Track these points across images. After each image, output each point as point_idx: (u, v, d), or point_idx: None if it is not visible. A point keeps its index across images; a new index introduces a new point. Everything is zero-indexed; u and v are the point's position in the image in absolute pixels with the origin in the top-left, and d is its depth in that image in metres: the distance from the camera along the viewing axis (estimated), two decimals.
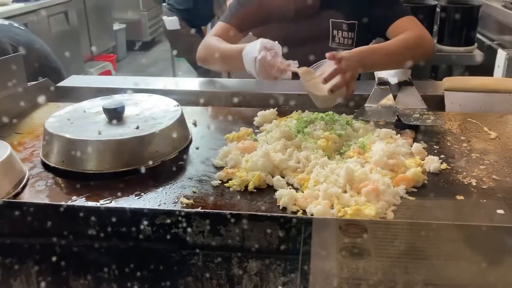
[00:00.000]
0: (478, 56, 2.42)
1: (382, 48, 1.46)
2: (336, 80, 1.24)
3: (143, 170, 1.04)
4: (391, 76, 1.47)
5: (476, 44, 2.47)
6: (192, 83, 1.69)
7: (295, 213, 0.89)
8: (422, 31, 1.56)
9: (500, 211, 0.87)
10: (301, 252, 0.81)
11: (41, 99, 1.45)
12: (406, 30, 1.53)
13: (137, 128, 1.10)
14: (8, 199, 0.94)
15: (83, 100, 1.29)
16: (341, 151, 1.10)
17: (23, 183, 1.01)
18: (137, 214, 0.89)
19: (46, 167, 1.08)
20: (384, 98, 1.38)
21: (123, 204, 0.93)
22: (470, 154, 1.10)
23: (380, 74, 1.50)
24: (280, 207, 0.91)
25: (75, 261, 0.95)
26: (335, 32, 1.65)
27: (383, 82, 1.45)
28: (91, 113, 1.20)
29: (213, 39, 1.61)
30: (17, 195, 0.97)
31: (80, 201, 0.94)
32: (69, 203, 0.94)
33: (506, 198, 0.92)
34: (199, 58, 1.64)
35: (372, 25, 1.62)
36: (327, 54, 1.28)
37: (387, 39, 1.57)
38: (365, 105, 1.35)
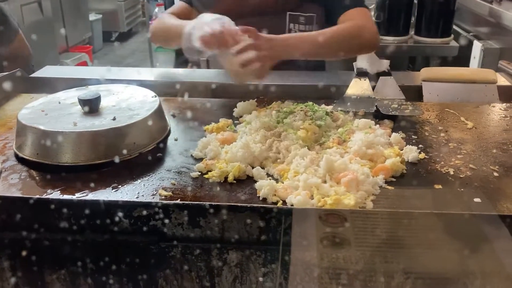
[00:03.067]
0: (455, 47, 2.45)
1: (313, 37, 1.40)
2: (249, 55, 1.18)
3: (120, 162, 1.02)
4: (370, 66, 1.48)
5: (452, 36, 2.50)
6: (171, 73, 1.67)
7: (275, 203, 0.88)
8: (364, 22, 1.50)
9: (477, 200, 0.88)
10: (281, 242, 0.81)
11: (13, 89, 1.41)
12: (351, 20, 1.49)
13: (114, 119, 1.07)
14: None
15: (57, 91, 1.26)
16: (321, 141, 1.09)
17: None
18: (114, 206, 0.87)
19: (20, 159, 1.05)
20: (363, 88, 1.38)
21: (100, 196, 0.91)
22: (448, 144, 1.11)
23: (359, 64, 1.51)
24: (260, 198, 0.90)
25: (51, 256, 0.93)
26: (291, 25, 1.64)
27: (362, 73, 1.45)
28: (66, 104, 1.17)
29: (166, 15, 1.59)
30: None
31: (55, 194, 0.92)
32: (44, 196, 0.91)
33: (483, 187, 0.93)
34: (150, 34, 1.64)
35: (328, 16, 1.60)
36: (240, 27, 1.22)
37: None
38: (344, 95, 1.35)
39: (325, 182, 0.94)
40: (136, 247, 0.88)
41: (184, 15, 1.56)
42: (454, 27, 2.59)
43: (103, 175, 0.99)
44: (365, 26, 1.49)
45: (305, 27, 1.64)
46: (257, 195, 0.91)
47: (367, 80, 1.42)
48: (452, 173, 0.99)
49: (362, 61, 1.52)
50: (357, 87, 1.38)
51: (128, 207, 0.86)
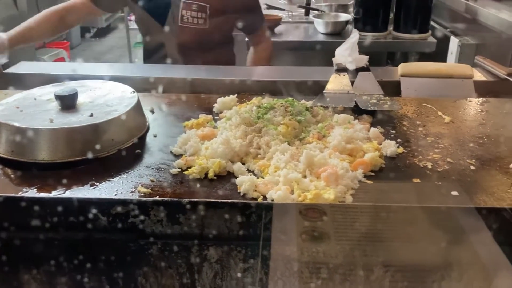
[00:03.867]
0: (432, 43, 2.48)
1: None
2: None
3: (98, 159, 1.00)
4: (349, 62, 1.49)
5: (430, 32, 2.54)
6: (149, 69, 1.65)
7: (256, 199, 0.88)
8: (270, 45, 2.07)
9: (454, 193, 0.89)
10: (261, 237, 0.80)
11: None
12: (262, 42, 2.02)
13: (91, 115, 1.06)
14: None
15: (33, 87, 1.23)
16: (301, 137, 1.10)
17: None
18: (92, 204, 0.86)
19: None
20: (342, 84, 1.39)
21: (77, 194, 0.89)
22: (426, 138, 1.13)
23: (338, 60, 1.52)
24: (241, 194, 0.90)
25: (28, 255, 0.91)
26: (184, 11, 1.80)
27: (341, 69, 1.46)
28: (42, 101, 1.14)
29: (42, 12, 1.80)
30: None
31: (31, 192, 0.90)
32: (20, 194, 0.89)
33: (460, 180, 0.95)
34: None
35: (232, 18, 1.88)
36: None
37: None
38: (324, 91, 1.36)
39: (305, 177, 0.94)
40: (115, 245, 0.87)
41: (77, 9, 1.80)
42: (432, 23, 2.62)
43: (81, 172, 0.97)
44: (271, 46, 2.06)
45: (197, 14, 1.81)
46: (238, 191, 0.91)
47: (346, 75, 1.43)
48: (430, 167, 1.00)
49: (341, 57, 1.53)
50: (337, 83, 1.39)
51: (106, 204, 0.85)
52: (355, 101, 1.28)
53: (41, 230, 0.88)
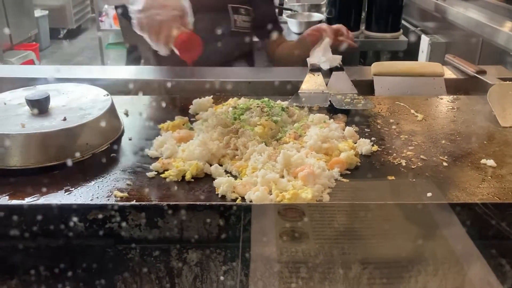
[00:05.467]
0: (404, 42, 2.53)
1: None
2: None
3: (72, 164, 0.98)
4: (322, 62, 1.50)
5: (401, 31, 2.58)
6: (122, 71, 1.63)
7: (234, 200, 0.88)
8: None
9: (428, 189, 0.91)
10: (241, 239, 0.81)
11: None
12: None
13: (64, 119, 1.04)
14: None
15: (2, 91, 1.20)
16: (278, 137, 1.10)
17: None
18: (68, 210, 0.84)
19: None
20: (317, 84, 1.40)
21: (52, 200, 0.87)
22: (399, 136, 1.15)
23: (312, 60, 1.53)
24: (219, 196, 0.90)
25: (1, 265, 0.89)
26: (235, 16, 1.76)
27: (315, 69, 1.47)
28: (12, 105, 1.11)
29: None
30: None
31: (3, 200, 0.88)
32: None
33: (433, 177, 0.97)
34: None
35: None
36: None
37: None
38: (299, 91, 1.37)
39: (282, 177, 0.95)
40: (92, 251, 0.86)
41: None
42: (403, 22, 2.68)
43: (55, 178, 0.95)
44: None
45: (247, 18, 1.78)
46: (216, 192, 0.91)
47: (321, 75, 1.44)
48: (404, 164, 1.02)
49: (315, 57, 1.54)
50: (311, 83, 1.40)
51: (82, 210, 0.84)
52: (330, 101, 1.29)
53: (14, 238, 0.86)
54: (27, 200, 0.87)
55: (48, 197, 0.89)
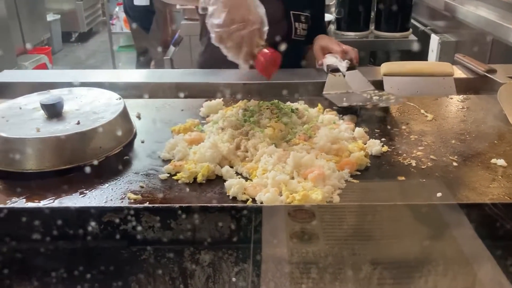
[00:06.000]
0: (413, 41, 2.53)
1: None
2: None
3: (86, 167, 1.00)
4: (340, 65, 1.49)
5: (411, 30, 2.58)
6: (134, 75, 1.65)
7: (245, 202, 0.90)
8: None
9: (438, 190, 0.92)
10: (252, 240, 0.82)
11: None
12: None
13: (78, 123, 1.06)
14: None
15: (17, 96, 1.22)
16: (287, 138, 1.11)
17: None
18: (82, 212, 0.86)
19: None
20: (340, 84, 1.41)
21: (67, 203, 0.90)
22: (409, 136, 1.15)
23: (328, 61, 1.53)
24: (230, 197, 0.91)
25: (19, 266, 0.91)
26: (296, 24, 1.67)
27: (334, 69, 1.47)
28: (27, 110, 1.14)
29: None
30: None
31: (20, 203, 0.90)
32: (8, 205, 0.89)
33: (443, 177, 0.97)
34: None
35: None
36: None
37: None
38: (324, 92, 1.37)
39: (293, 178, 0.96)
40: (107, 252, 0.88)
41: None
42: (412, 21, 2.67)
43: (70, 181, 0.97)
44: None
45: (306, 26, 1.69)
46: (227, 194, 0.92)
47: (342, 75, 1.45)
48: (414, 164, 1.02)
49: (331, 59, 1.54)
50: (335, 84, 1.41)
51: (97, 212, 0.86)
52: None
53: (30, 240, 0.88)
54: (43, 203, 0.90)
55: (63, 199, 0.91)
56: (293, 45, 1.65)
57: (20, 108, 1.15)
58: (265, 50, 1.15)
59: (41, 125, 1.05)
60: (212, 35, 1.15)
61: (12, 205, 0.89)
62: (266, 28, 1.17)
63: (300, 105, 1.29)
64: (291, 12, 1.66)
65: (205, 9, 1.17)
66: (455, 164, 1.02)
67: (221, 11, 1.12)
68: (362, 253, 0.75)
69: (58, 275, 0.89)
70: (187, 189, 0.94)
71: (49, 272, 0.89)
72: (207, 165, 0.98)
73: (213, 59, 1.43)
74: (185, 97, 1.43)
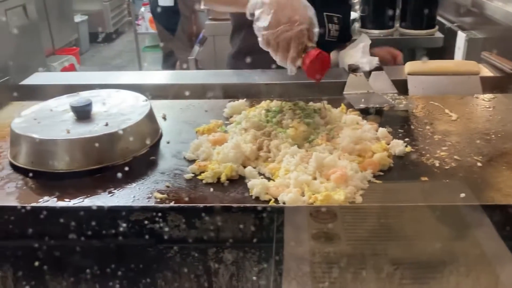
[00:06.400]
0: (439, 38, 2.49)
1: None
2: None
3: (114, 167, 1.04)
4: (363, 63, 1.49)
5: (437, 27, 2.54)
6: (160, 76, 1.69)
7: (267, 202, 0.91)
8: None
9: (461, 190, 0.91)
10: (274, 239, 0.83)
11: (4, 98, 1.42)
12: None
13: (106, 125, 1.09)
14: None
15: (48, 98, 1.27)
16: (310, 139, 1.12)
17: None
18: (111, 211, 0.89)
19: (15, 168, 1.06)
20: (361, 84, 1.40)
21: (96, 202, 0.93)
22: (433, 136, 1.15)
23: (349, 61, 1.53)
24: (253, 197, 0.93)
25: (50, 262, 0.95)
26: (330, 25, 1.66)
27: (356, 69, 1.47)
28: (58, 112, 1.18)
29: None
30: None
31: (51, 202, 0.94)
32: (41, 204, 0.93)
33: (467, 177, 0.97)
34: None
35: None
36: None
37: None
38: (344, 92, 1.38)
39: (315, 178, 0.97)
40: (134, 250, 0.91)
41: None
42: (439, 18, 2.62)
43: (98, 180, 1.01)
44: None
45: (338, 27, 1.67)
46: (250, 194, 0.94)
47: (363, 75, 1.44)
48: (437, 165, 1.02)
49: (352, 58, 1.54)
50: (356, 84, 1.41)
51: (125, 211, 0.88)
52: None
53: (61, 237, 0.92)
54: (73, 202, 0.93)
55: (92, 198, 0.94)
56: (326, 46, 1.65)
57: (51, 110, 1.19)
58: (312, 51, 1.13)
59: (71, 127, 1.09)
60: (260, 39, 1.14)
61: (44, 204, 0.93)
62: (316, 30, 1.15)
63: (323, 105, 1.30)
64: (325, 13, 1.64)
65: (252, 14, 1.17)
66: (479, 164, 1.01)
67: (267, 14, 1.12)
68: (384, 253, 0.76)
69: (87, 272, 0.92)
70: (211, 189, 0.96)
71: (78, 269, 0.92)
72: (230, 165, 1.00)
73: (244, 61, 1.44)
74: (209, 98, 1.45)
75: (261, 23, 1.12)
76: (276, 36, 1.11)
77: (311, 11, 1.15)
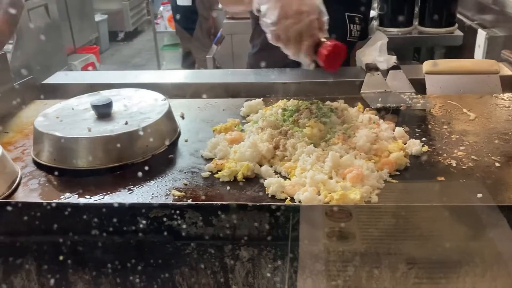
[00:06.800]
0: (459, 36, 2.45)
1: None
2: None
3: (133, 165, 1.06)
4: (380, 62, 1.49)
5: (456, 25, 2.51)
6: (178, 75, 1.71)
7: (283, 200, 0.92)
8: None
9: (478, 191, 0.91)
10: (290, 238, 0.84)
11: (27, 96, 1.46)
12: None
13: (126, 123, 1.12)
14: (2, 199, 0.96)
15: (69, 97, 1.30)
16: (326, 138, 1.12)
17: (16, 182, 1.02)
18: (130, 208, 0.91)
19: (38, 165, 1.09)
20: (379, 83, 1.40)
21: (116, 199, 0.95)
22: (450, 136, 1.14)
23: (367, 60, 1.53)
24: (269, 195, 0.94)
25: (72, 257, 0.98)
26: (351, 26, 1.65)
27: (373, 68, 1.47)
28: (79, 110, 1.21)
29: None
30: (11, 194, 0.99)
31: (73, 198, 0.96)
32: (62, 201, 0.96)
33: (485, 178, 0.96)
34: None
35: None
36: None
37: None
38: (361, 91, 1.38)
39: (331, 178, 0.97)
40: (152, 246, 0.93)
41: None
42: (458, 15, 2.59)
43: (118, 178, 1.03)
44: None
45: (359, 28, 1.66)
46: (266, 192, 0.95)
47: (380, 74, 1.44)
48: (454, 164, 1.02)
49: (370, 56, 1.53)
50: (373, 82, 1.41)
51: (143, 208, 0.90)
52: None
53: (82, 233, 0.94)
54: (94, 199, 0.96)
55: (113, 195, 0.97)
56: (347, 47, 1.65)
57: (73, 109, 1.22)
58: (327, 43, 1.10)
59: (92, 125, 1.12)
60: (268, 35, 1.11)
61: (66, 201, 0.95)
62: (325, 18, 1.12)
63: (339, 104, 1.30)
64: (346, 14, 1.63)
65: (259, 10, 1.15)
66: (497, 164, 1.01)
67: (273, 9, 1.09)
68: (399, 253, 0.76)
69: (105, 267, 0.94)
70: (228, 187, 0.97)
71: (97, 264, 0.95)
72: (247, 164, 1.01)
73: (265, 61, 1.43)
74: (226, 97, 1.47)
75: (269, 18, 1.10)
76: (285, 30, 1.08)
77: (318, 0, 1.11)
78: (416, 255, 0.75)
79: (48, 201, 0.94)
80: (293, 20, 1.08)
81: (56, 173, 1.06)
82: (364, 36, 1.75)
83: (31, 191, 1.00)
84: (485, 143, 1.10)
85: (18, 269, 0.97)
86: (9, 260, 0.96)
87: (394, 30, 2.51)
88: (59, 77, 1.68)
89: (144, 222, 0.90)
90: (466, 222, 0.81)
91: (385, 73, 1.46)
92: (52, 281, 0.98)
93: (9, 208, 0.92)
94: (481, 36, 2.26)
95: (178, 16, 4.50)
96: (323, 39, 1.11)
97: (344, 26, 1.64)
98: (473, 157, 1.04)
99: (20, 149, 1.19)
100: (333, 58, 1.11)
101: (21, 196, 0.99)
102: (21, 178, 1.05)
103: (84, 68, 5.15)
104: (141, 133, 1.09)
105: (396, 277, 0.74)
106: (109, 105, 1.17)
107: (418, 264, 0.75)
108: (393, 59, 1.50)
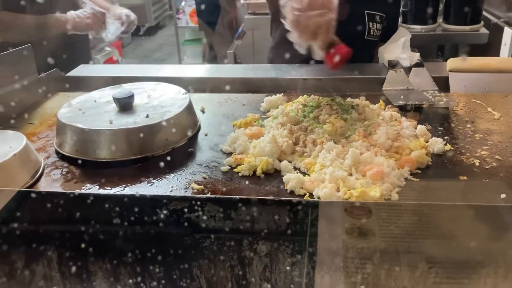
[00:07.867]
0: (484, 34, 2.41)
1: None
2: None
3: (154, 157, 1.07)
4: (403, 59, 1.47)
5: (482, 23, 2.46)
6: (199, 70, 1.72)
7: (302, 196, 0.92)
8: None
9: (502, 191, 0.89)
10: (308, 233, 0.84)
11: (51, 89, 1.49)
12: None
13: (147, 116, 1.13)
14: (26, 188, 0.98)
15: (92, 89, 1.32)
16: (347, 135, 1.12)
17: (40, 172, 1.04)
18: (150, 200, 0.92)
19: (60, 156, 1.11)
20: (401, 80, 1.39)
21: (136, 191, 0.96)
22: (474, 135, 1.12)
23: (389, 57, 1.51)
24: (288, 191, 0.94)
25: (92, 247, 0.99)
26: (370, 24, 1.63)
27: (396, 65, 1.45)
28: (101, 103, 1.23)
29: None
30: (34, 184, 1.01)
31: (94, 189, 0.98)
32: (84, 191, 0.97)
33: (509, 178, 0.94)
34: None
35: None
36: None
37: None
38: (383, 89, 1.36)
39: (351, 175, 0.97)
40: (172, 238, 0.94)
41: None
42: (484, 13, 2.54)
43: (139, 170, 1.04)
44: None
45: (380, 26, 1.65)
46: (285, 188, 0.95)
47: (403, 71, 1.42)
48: (477, 164, 1.00)
49: (392, 53, 1.52)
50: (395, 80, 1.39)
51: (163, 200, 0.91)
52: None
53: (103, 223, 0.96)
54: (114, 190, 0.97)
55: (133, 187, 0.98)
56: (364, 45, 1.64)
57: (95, 101, 1.24)
58: (342, 48, 1.14)
59: (113, 118, 1.13)
60: (289, 18, 1.12)
61: (87, 191, 0.97)
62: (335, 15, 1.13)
63: (361, 101, 1.29)
64: (366, 11, 1.62)
65: None
66: None
67: None
68: (419, 252, 0.76)
69: (125, 256, 0.96)
70: (247, 182, 0.98)
71: (116, 254, 0.96)
72: (266, 159, 1.01)
73: (282, 55, 1.43)
74: (247, 92, 1.47)
75: (296, 3, 1.11)
76: (307, 20, 1.10)
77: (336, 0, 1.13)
78: (436, 255, 0.74)
79: (70, 191, 0.96)
80: (318, 13, 1.09)
81: (78, 163, 1.07)
82: (388, 36, 1.72)
83: (53, 181, 1.02)
84: (510, 142, 1.08)
85: (40, 257, 0.99)
86: (31, 247, 0.98)
87: (417, 27, 2.48)
88: (82, 70, 1.71)
89: (163, 214, 0.91)
90: (489, 223, 0.80)
91: (408, 70, 1.44)
92: (72, 269, 0.99)
93: (32, 196, 0.93)
94: (508, 34, 2.22)
95: (200, 10, 4.53)
96: (335, 42, 1.14)
97: (363, 24, 1.62)
98: (497, 157, 1.02)
99: (44, 139, 1.21)
100: (340, 62, 1.16)
101: (44, 185, 1.01)
102: (44, 168, 1.07)
103: (107, 62, 5.21)
104: (162, 126, 1.10)
105: (415, 276, 0.73)
106: (130, 98, 1.18)
107: (438, 264, 0.73)
108: (416, 56, 1.48)
